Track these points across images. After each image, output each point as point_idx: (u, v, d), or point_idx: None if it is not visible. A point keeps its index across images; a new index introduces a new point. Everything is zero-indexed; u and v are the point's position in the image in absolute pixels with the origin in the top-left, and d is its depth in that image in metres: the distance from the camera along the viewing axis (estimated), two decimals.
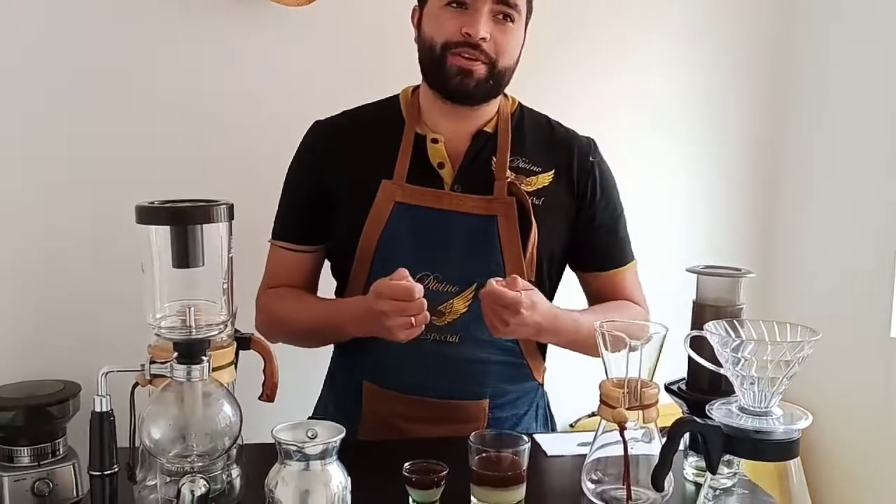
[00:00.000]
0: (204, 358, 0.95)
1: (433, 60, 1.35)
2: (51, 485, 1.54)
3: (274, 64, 1.94)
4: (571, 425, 2.25)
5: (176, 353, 0.95)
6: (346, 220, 1.40)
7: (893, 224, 2.14)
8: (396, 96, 1.46)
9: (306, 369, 1.53)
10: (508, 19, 1.33)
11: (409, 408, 1.37)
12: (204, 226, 0.93)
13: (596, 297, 1.51)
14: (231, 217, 0.95)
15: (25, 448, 1.57)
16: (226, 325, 0.98)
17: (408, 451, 1.13)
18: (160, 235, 0.94)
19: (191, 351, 0.94)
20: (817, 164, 2.36)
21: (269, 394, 1.20)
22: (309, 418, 1.50)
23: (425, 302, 1.21)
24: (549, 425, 1.55)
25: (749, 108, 2.41)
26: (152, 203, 0.92)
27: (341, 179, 1.41)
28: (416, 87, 1.44)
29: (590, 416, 2.32)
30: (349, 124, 1.45)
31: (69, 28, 1.80)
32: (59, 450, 1.61)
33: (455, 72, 1.32)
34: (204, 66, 1.90)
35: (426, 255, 1.34)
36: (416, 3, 1.40)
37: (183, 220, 0.92)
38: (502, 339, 1.38)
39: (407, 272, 1.23)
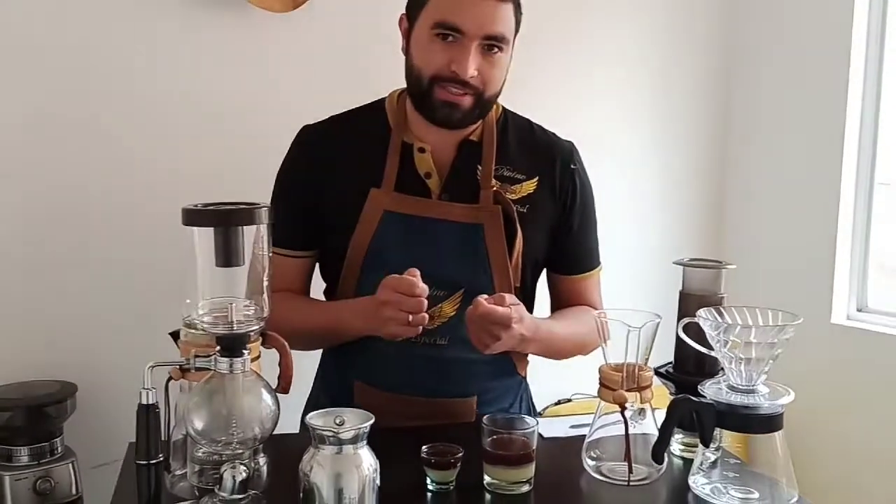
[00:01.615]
0: (245, 351, 1.01)
1: (420, 90, 1.35)
2: (52, 483, 1.56)
3: (260, 69, 1.97)
4: (540, 413, 2.34)
5: (218, 347, 1.00)
6: (335, 226, 1.42)
7: (832, 217, 2.30)
8: (382, 101, 1.48)
9: (297, 366, 1.58)
10: (496, 50, 1.33)
11: (400, 406, 1.40)
12: (245, 226, 0.99)
13: (559, 297, 1.57)
14: (271, 218, 1.01)
15: (24, 447, 1.58)
16: (264, 321, 1.03)
17: (413, 437, 1.20)
18: (202, 236, 0.99)
19: (233, 345, 1.00)
20: (761, 163, 2.51)
21: (284, 386, 1.23)
22: (303, 412, 1.55)
23: (425, 303, 1.24)
24: (532, 414, 1.59)
25: (698, 113, 2.56)
26: (196, 206, 0.97)
27: (330, 185, 1.42)
28: (403, 91, 1.45)
29: (556, 404, 2.43)
30: (337, 130, 1.47)
31: (66, 32, 1.81)
32: (57, 449, 1.63)
33: (441, 104, 1.34)
34: (188, 71, 1.92)
35: (415, 261, 1.33)
36: (405, 12, 1.40)
37: (228, 222, 0.97)
38: None
39: (418, 273, 1.25)
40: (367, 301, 1.32)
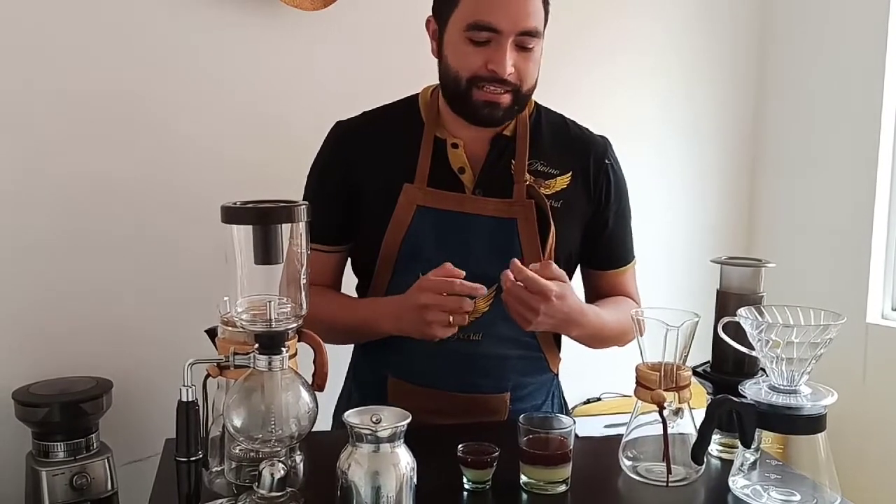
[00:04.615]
0: (283, 349, 1.01)
1: (458, 92, 1.35)
2: (88, 479, 1.58)
3: (292, 67, 1.98)
4: (569, 412, 2.33)
5: (257, 345, 1.01)
6: (369, 221, 1.43)
7: (867, 215, 2.26)
8: (416, 97, 1.48)
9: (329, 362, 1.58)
10: (530, 44, 1.33)
11: (435, 402, 1.41)
12: (283, 224, 0.99)
13: (595, 292, 1.57)
14: (309, 216, 1.01)
15: (60, 443, 1.60)
16: (301, 318, 1.03)
17: (448, 436, 1.20)
18: (241, 234, 0.99)
19: (272, 342, 1.00)
20: (794, 160, 2.48)
21: (319, 383, 1.23)
22: (335, 409, 1.56)
23: (466, 300, 1.23)
24: (564, 412, 1.60)
25: (731, 112, 2.53)
26: (235, 203, 0.97)
27: (364, 180, 1.43)
28: (435, 88, 1.45)
29: (585, 402, 2.43)
30: (370, 125, 1.47)
31: (96, 32, 1.82)
32: (92, 445, 1.65)
33: (482, 104, 1.34)
34: (222, 70, 1.93)
35: (448, 256, 1.33)
36: (432, 15, 1.40)
37: (267, 220, 0.97)
38: (521, 335, 1.42)
39: (452, 266, 1.25)
40: (398, 303, 1.32)
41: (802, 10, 2.43)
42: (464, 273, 1.25)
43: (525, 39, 1.32)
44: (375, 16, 2.03)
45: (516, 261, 1.25)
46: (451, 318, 1.25)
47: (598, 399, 2.43)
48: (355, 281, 1.54)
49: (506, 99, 1.34)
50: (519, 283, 1.24)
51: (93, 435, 1.65)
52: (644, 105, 2.42)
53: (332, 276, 1.51)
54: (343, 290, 1.54)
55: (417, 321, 1.27)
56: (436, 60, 1.41)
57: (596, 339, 1.46)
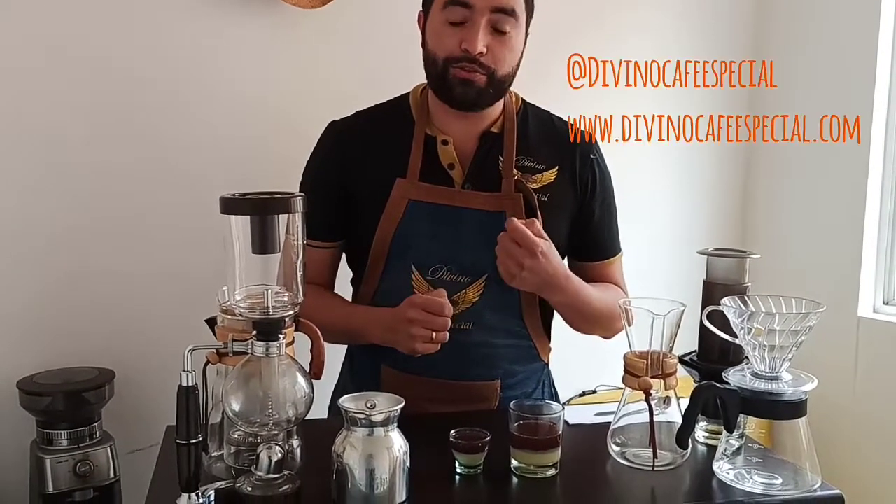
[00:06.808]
0: (280, 336, 1.04)
1: (436, 74, 1.41)
2: (91, 466, 1.61)
3: (290, 64, 2.00)
4: (564, 405, 2.36)
5: (255, 332, 1.04)
6: (362, 216, 1.47)
7: (859, 209, 2.28)
8: (406, 96, 1.53)
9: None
10: (506, 27, 1.38)
11: (427, 390, 1.44)
12: (280, 216, 1.02)
13: None
14: (305, 207, 1.04)
15: (64, 432, 1.64)
16: (298, 306, 1.07)
17: (440, 423, 1.23)
18: (239, 224, 1.02)
19: (269, 329, 1.03)
20: (787, 154, 2.49)
21: (316, 372, 1.26)
22: (332, 398, 1.59)
23: (449, 323, 1.32)
24: (554, 400, 1.62)
25: (726, 107, 2.54)
26: (233, 195, 1.01)
27: (358, 177, 1.47)
28: (425, 86, 1.50)
29: (580, 395, 2.45)
30: (364, 124, 1.52)
31: (96, 29, 1.86)
32: (95, 433, 1.68)
33: (457, 83, 1.39)
34: (219, 68, 1.95)
35: (439, 248, 1.42)
36: (422, 9, 1.46)
37: (265, 210, 1.01)
38: (511, 325, 1.48)
39: (445, 293, 1.34)
40: (388, 314, 1.38)
41: (799, 2, 2.45)
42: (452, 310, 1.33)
43: (500, 19, 1.37)
44: (373, 14, 2.05)
45: (513, 219, 1.31)
46: (433, 335, 1.32)
47: (594, 392, 2.46)
48: (350, 275, 1.58)
49: (480, 79, 1.39)
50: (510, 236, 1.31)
51: (96, 424, 1.69)
52: (638, 100, 2.43)
53: (327, 271, 1.55)
54: (338, 284, 1.58)
55: (402, 334, 1.34)
56: (424, 69, 1.46)
57: (581, 313, 1.50)
